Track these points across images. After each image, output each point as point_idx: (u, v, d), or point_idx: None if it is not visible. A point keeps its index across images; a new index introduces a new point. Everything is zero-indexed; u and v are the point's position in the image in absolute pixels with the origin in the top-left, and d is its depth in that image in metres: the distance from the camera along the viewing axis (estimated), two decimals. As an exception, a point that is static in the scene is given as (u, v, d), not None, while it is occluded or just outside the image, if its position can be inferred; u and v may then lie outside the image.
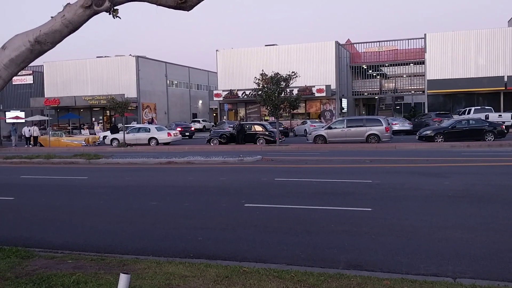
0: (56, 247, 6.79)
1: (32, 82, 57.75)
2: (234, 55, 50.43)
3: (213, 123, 57.82)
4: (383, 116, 33.41)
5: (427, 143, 25.75)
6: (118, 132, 34.23)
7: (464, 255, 6.04)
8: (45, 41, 4.10)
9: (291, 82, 27.32)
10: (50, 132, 36.73)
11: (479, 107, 36.52)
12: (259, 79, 27.38)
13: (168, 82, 59.77)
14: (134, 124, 41.20)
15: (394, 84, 52.32)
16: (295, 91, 34.31)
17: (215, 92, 50.77)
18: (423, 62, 46.21)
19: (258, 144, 29.02)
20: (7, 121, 48.95)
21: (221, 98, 49.78)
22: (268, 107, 28.01)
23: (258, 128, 30.22)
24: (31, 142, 35.90)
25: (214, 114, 65.44)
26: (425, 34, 44.95)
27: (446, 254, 6.09)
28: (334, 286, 4.82)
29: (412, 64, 51.12)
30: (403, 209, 8.88)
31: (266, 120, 42.99)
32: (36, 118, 45.59)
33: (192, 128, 45.19)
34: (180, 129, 39.70)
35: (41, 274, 5.27)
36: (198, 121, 57.77)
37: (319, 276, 5.10)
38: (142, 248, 6.74)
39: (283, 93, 27.28)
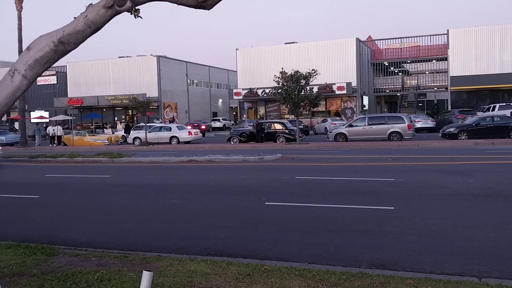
0: (80, 244, 6.90)
1: (55, 82, 58.77)
2: (254, 53, 50.43)
3: (233, 122, 57.96)
4: (405, 114, 32.98)
5: (450, 141, 25.33)
6: (129, 132, 35.50)
7: (490, 254, 5.92)
8: (68, 42, 4.15)
9: (311, 80, 27.15)
10: (74, 132, 37.37)
11: (504, 104, 35.67)
12: (279, 77, 27.30)
13: (188, 82, 60.13)
14: (156, 123, 41.97)
15: (416, 81, 51.58)
16: (315, 89, 34.11)
17: (235, 90, 50.87)
18: (446, 59, 45.46)
19: (278, 142, 28.99)
20: (32, 120, 49.98)
21: (241, 97, 49.85)
22: (288, 105, 27.89)
23: (278, 127, 30.18)
24: (55, 141, 36.56)
25: (234, 113, 65.58)
26: (448, 30, 44.21)
27: (471, 253, 5.99)
28: (356, 285, 4.77)
29: (434, 61, 50.35)
30: (426, 208, 8.75)
31: (286, 118, 42.87)
32: (60, 118, 46.37)
33: (203, 127, 45.42)
34: (190, 127, 40.03)
35: (66, 271, 5.36)
36: (218, 120, 58.00)
37: (341, 275, 5.06)
38: (164, 245, 6.79)
39: (303, 91, 27.14)
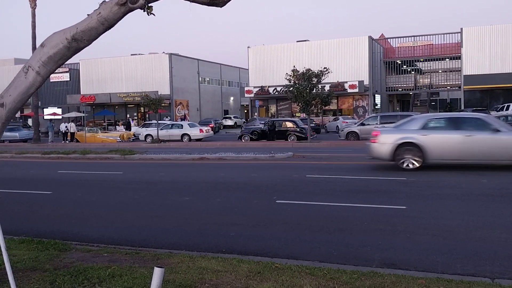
0: (92, 240, 6.95)
1: (68, 79, 59.29)
2: (266, 51, 50.38)
3: (244, 120, 58.00)
4: (418, 113, 32.72)
5: (463, 140, 25.02)
6: (130, 129, 37.03)
7: (503, 255, 5.85)
8: (81, 39, 4.18)
9: (323, 78, 27.05)
10: (86, 129, 37.73)
11: (518, 103, 35.29)
12: (290, 75, 27.24)
13: (200, 79, 60.27)
14: (166, 120, 42.32)
15: (429, 80, 51.17)
16: (327, 87, 34.03)
17: (246, 88, 50.89)
18: (459, 57, 45.05)
19: (289, 140, 28.95)
20: (45, 117, 50.48)
21: (252, 95, 49.85)
22: (300, 104, 27.83)
23: (289, 125, 30.14)
24: (68, 138, 36.89)
25: (246, 111, 65.64)
26: (461, 28, 43.79)
27: (484, 254, 5.92)
28: (367, 284, 4.74)
29: (448, 59, 49.92)
30: (438, 208, 8.67)
31: (297, 117, 42.78)
32: (73, 115, 46.82)
33: (210, 125, 45.34)
34: None
35: (78, 266, 5.40)
36: (230, 118, 58.08)
37: (352, 274, 5.03)
38: (176, 242, 6.81)
39: (314, 89, 27.05)
